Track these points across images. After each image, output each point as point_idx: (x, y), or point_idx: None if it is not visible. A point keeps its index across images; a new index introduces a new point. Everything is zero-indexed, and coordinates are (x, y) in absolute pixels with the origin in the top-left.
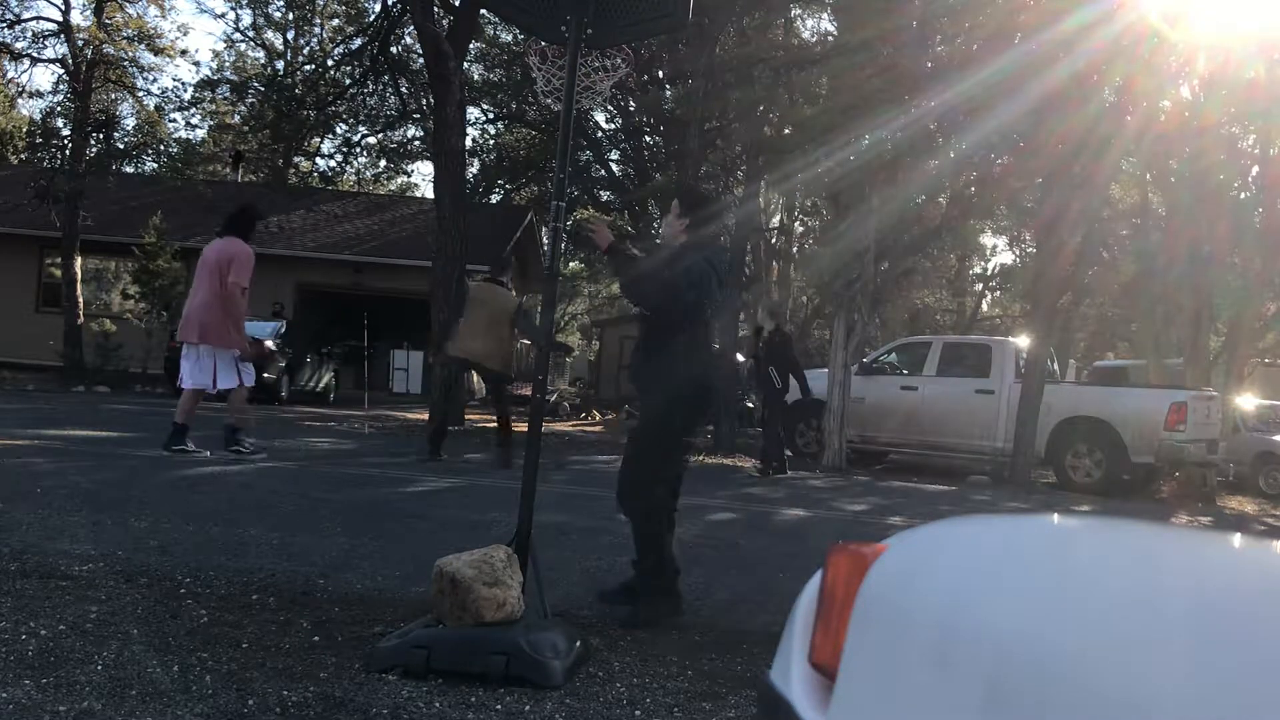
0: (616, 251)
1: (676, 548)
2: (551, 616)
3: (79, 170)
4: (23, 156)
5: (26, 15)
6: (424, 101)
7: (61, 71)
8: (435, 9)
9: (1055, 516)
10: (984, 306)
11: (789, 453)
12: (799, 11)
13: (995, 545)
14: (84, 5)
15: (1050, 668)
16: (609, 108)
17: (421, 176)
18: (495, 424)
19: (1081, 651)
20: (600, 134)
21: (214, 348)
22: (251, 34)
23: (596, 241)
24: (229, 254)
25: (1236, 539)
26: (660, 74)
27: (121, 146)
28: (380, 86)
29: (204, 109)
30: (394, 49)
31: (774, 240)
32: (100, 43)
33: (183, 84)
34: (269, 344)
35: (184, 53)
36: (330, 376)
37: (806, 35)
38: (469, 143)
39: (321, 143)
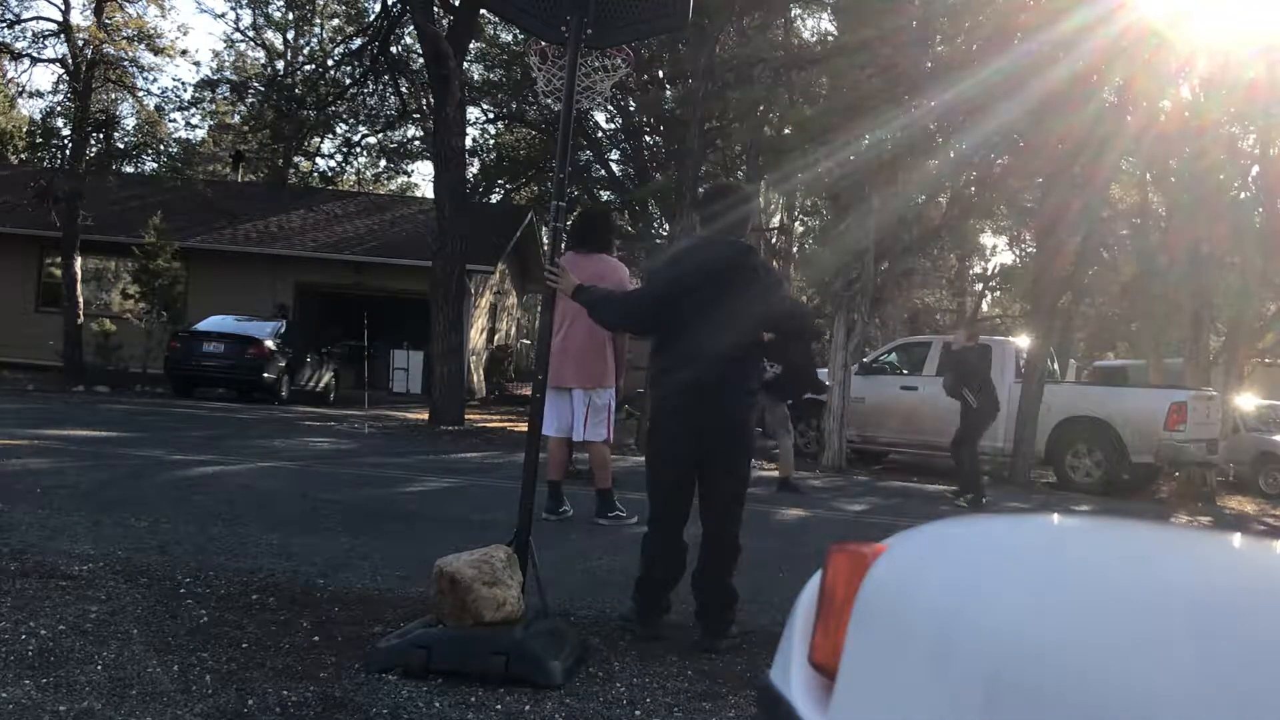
0: (582, 291)
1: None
2: (552, 616)
3: (79, 170)
4: (23, 156)
5: (26, 15)
6: (424, 101)
7: (61, 71)
8: (435, 9)
9: (1055, 516)
10: (984, 306)
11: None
12: (799, 11)
13: (995, 545)
14: (84, 5)
15: (1049, 667)
16: (609, 108)
17: (421, 176)
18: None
19: (1081, 651)
20: (600, 134)
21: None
22: (251, 34)
23: (562, 289)
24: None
25: (1236, 539)
26: (660, 74)
27: (121, 146)
28: (380, 86)
29: (204, 109)
30: (394, 49)
31: (774, 240)
32: (100, 43)
33: (183, 84)
34: (269, 344)
35: (184, 53)
36: (330, 376)
37: (806, 35)
38: (469, 143)
39: (321, 143)
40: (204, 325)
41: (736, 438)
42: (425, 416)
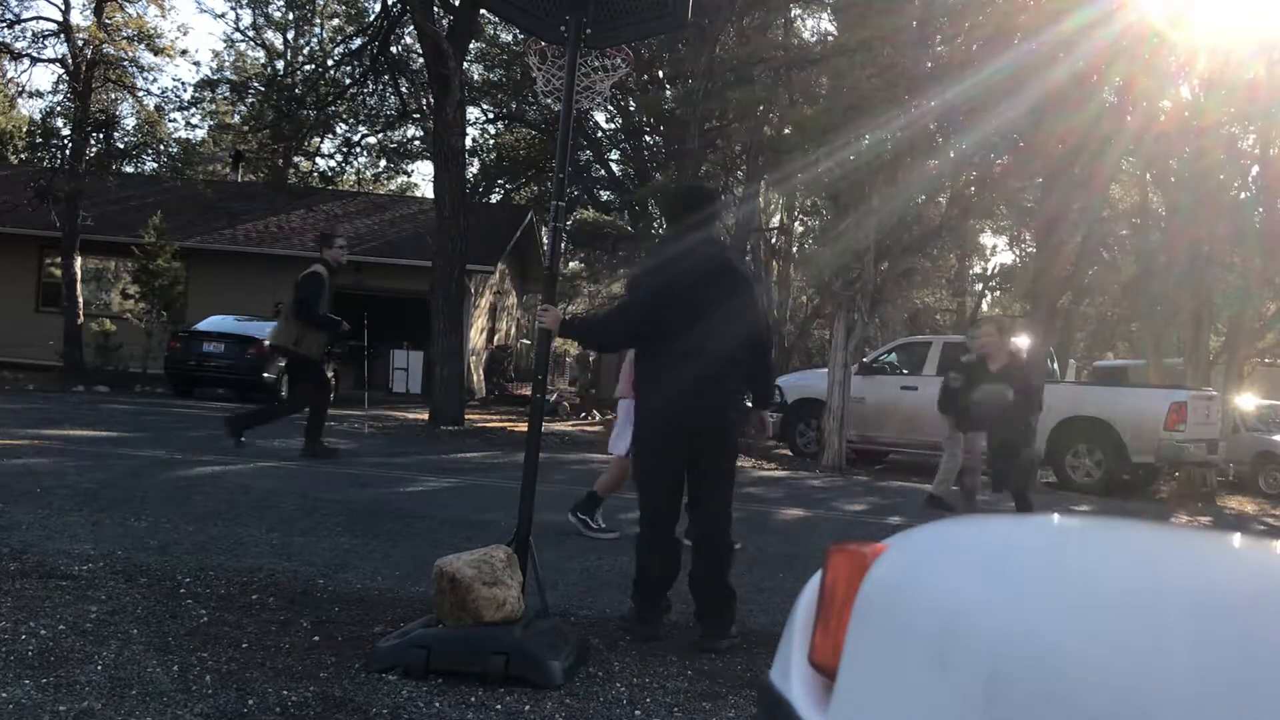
0: (569, 326)
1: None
2: (551, 616)
3: (79, 170)
4: (23, 156)
5: (26, 15)
6: (424, 101)
7: (61, 71)
8: (435, 9)
9: (1055, 516)
10: (984, 306)
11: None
12: (799, 11)
13: (995, 545)
14: (84, 5)
15: (1050, 667)
16: (609, 108)
17: (421, 176)
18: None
19: (1081, 651)
20: (600, 134)
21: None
22: (251, 34)
23: (548, 326)
24: None
25: (1236, 539)
26: (660, 74)
27: (121, 146)
28: (380, 86)
29: (204, 109)
30: (394, 49)
31: (774, 240)
32: (100, 43)
33: (183, 84)
34: (269, 344)
35: (184, 53)
36: (330, 376)
37: (806, 35)
38: (469, 143)
39: (321, 143)
40: (204, 325)
41: (726, 438)
42: (425, 417)
